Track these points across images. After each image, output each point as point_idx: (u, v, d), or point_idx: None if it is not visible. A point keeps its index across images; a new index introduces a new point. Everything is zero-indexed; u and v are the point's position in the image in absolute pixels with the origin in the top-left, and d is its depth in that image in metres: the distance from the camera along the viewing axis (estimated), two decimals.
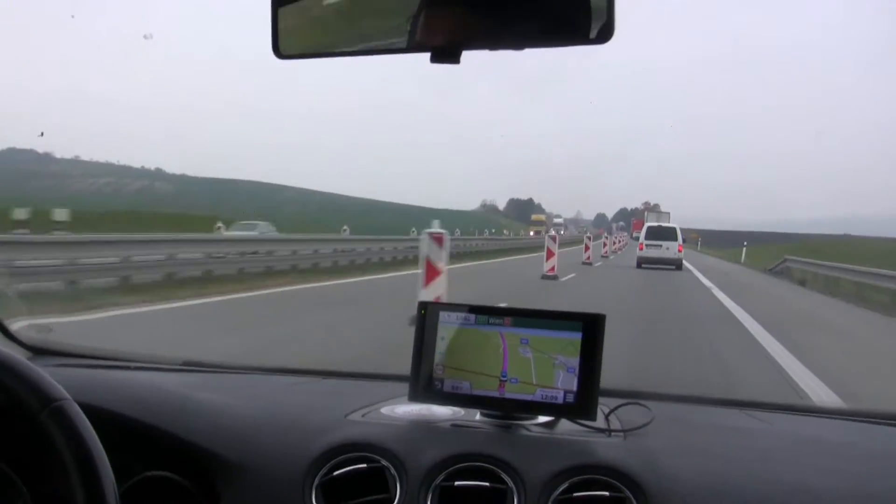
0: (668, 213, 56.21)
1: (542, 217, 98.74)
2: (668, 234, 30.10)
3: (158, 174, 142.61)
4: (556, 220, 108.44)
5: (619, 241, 56.49)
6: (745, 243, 43.36)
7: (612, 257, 38.52)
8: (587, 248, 30.67)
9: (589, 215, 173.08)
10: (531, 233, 74.24)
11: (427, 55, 1.22)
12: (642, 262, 29.07)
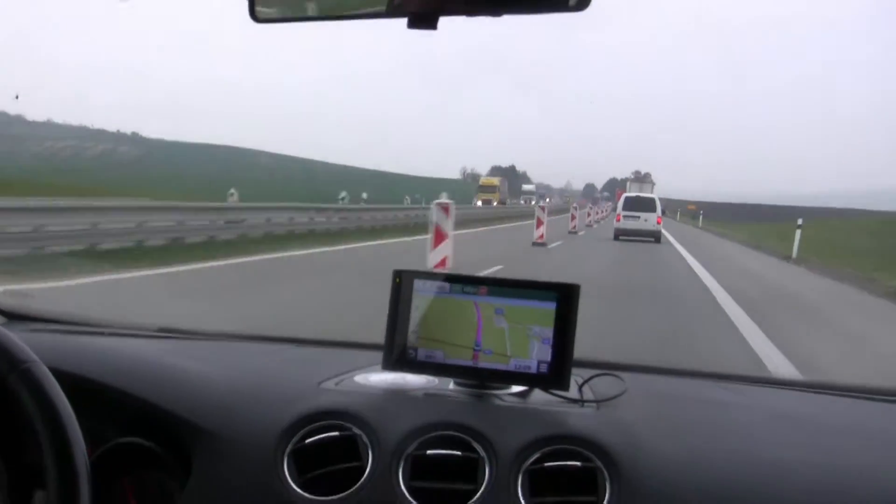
0: (651, 184, 53.18)
1: (495, 181, 78.06)
2: (646, 204, 28.83)
3: (134, 138, 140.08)
4: (527, 188, 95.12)
5: (603, 212, 55.34)
6: (801, 222, 23.43)
7: (595, 226, 37.45)
8: (573, 217, 30.64)
9: (578, 185, 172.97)
10: (478, 202, 60.02)
11: (404, 21, 1.21)
12: (619, 234, 28.04)
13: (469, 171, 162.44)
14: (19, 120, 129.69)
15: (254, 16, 1.30)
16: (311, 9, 1.32)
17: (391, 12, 1.23)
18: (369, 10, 1.27)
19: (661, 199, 30.05)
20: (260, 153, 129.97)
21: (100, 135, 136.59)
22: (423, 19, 1.20)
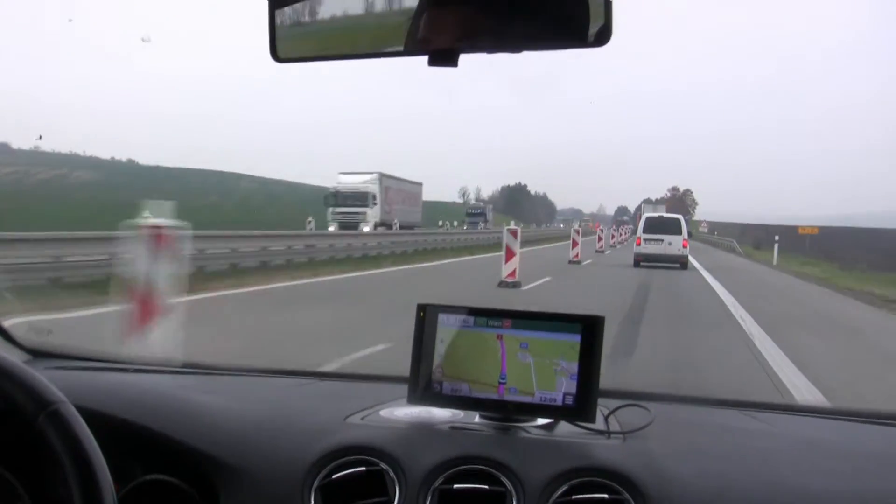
0: (664, 204, 49.91)
1: None
2: (670, 226, 25.03)
3: (130, 166, 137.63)
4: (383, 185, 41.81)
5: (622, 235, 51.19)
6: None
7: (608, 252, 32.29)
8: (575, 244, 25.20)
9: (611, 209, 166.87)
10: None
11: (425, 58, 1.22)
12: (640, 260, 24.38)
13: (468, 193, 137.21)
14: (5, 148, 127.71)
15: (275, 55, 1.31)
16: (331, 48, 1.33)
17: (411, 50, 1.24)
18: (389, 48, 1.28)
19: (713, 223, 26.05)
20: (242, 177, 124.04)
21: (65, 160, 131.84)
22: (444, 57, 1.21)
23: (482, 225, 58.91)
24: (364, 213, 36.55)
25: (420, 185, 48.53)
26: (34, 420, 1.09)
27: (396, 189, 42.39)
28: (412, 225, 40.41)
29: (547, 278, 16.89)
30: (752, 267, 30.73)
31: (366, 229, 32.93)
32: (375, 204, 37.66)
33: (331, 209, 37.02)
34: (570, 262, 23.76)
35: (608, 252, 33.19)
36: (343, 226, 33.64)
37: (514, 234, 15.48)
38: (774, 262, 32.16)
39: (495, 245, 28.57)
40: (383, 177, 39.77)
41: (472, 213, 66.33)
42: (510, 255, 15.24)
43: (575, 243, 24.97)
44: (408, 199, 44.40)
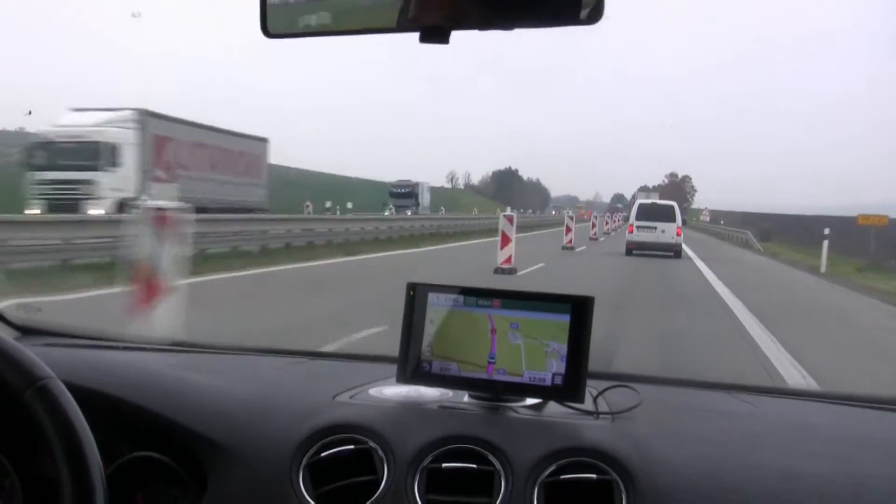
0: (656, 191, 48.44)
1: None
2: (664, 213, 24.52)
3: None
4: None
5: (607, 224, 49.79)
6: None
7: (580, 248, 25.98)
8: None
9: (607, 197, 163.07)
10: None
11: (416, 35, 1.22)
12: (633, 248, 24.00)
13: (456, 177, 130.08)
14: None
15: (265, 31, 1.30)
16: (322, 24, 1.32)
17: (403, 27, 1.23)
18: (381, 24, 1.27)
19: (715, 212, 24.37)
20: None
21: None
22: (436, 34, 1.20)
23: (411, 211, 43.27)
24: (91, 183, 20.71)
25: (264, 141, 30.52)
26: (22, 396, 1.10)
27: (192, 143, 24.96)
28: (249, 207, 26.33)
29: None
30: (795, 281, 19.61)
31: (94, 213, 18.38)
32: (118, 165, 21.41)
33: (35, 174, 21.34)
34: (495, 270, 15.12)
35: (580, 249, 26.27)
36: (55, 205, 19.59)
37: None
38: (823, 268, 21.86)
39: (383, 242, 22.03)
40: (150, 117, 22.69)
41: (396, 192, 48.40)
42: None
43: (506, 240, 15.45)
44: (229, 165, 27.15)
